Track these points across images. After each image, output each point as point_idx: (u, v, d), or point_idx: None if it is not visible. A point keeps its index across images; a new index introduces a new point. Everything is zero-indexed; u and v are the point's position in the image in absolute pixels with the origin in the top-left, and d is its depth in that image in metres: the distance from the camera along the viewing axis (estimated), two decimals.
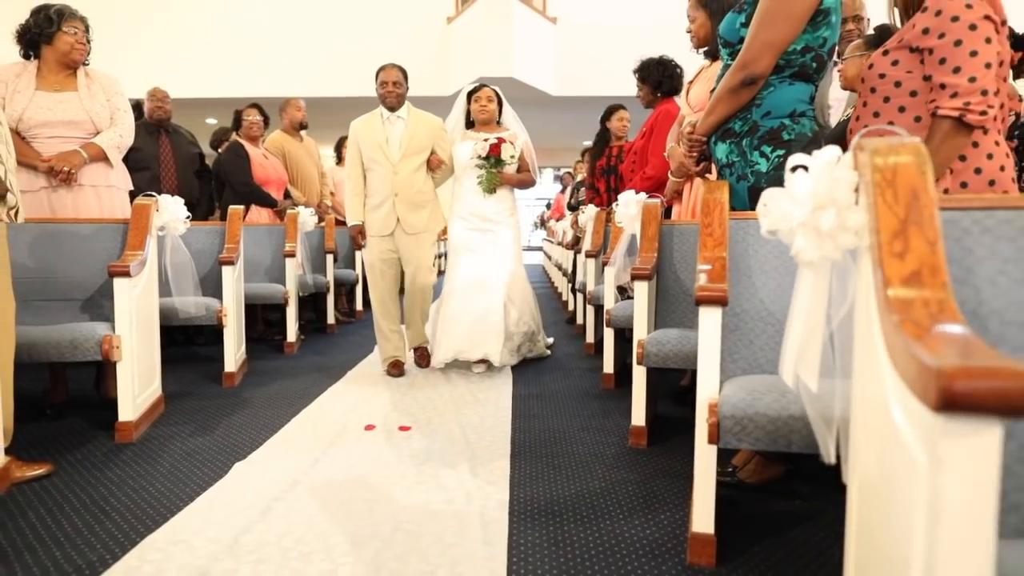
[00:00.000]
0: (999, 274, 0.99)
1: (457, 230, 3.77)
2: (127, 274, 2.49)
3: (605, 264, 3.38)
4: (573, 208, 6.67)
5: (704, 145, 2.13)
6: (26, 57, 2.93)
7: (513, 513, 1.87)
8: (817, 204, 1.00)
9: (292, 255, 4.33)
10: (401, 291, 3.80)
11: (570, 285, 5.89)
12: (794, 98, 1.99)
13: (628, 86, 8.21)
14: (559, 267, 7.74)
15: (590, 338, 4.25)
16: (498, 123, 3.83)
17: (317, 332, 5.06)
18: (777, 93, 1.99)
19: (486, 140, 3.65)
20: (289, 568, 1.54)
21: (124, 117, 3.00)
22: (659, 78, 3.63)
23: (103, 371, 2.99)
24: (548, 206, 17.43)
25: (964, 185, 1.72)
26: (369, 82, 10.43)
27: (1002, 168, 1.75)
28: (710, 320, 1.54)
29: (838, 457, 1.08)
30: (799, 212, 1.02)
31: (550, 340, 4.28)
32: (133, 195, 3.06)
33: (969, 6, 1.66)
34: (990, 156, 1.74)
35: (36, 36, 2.90)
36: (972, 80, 1.64)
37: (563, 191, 10.16)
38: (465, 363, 3.66)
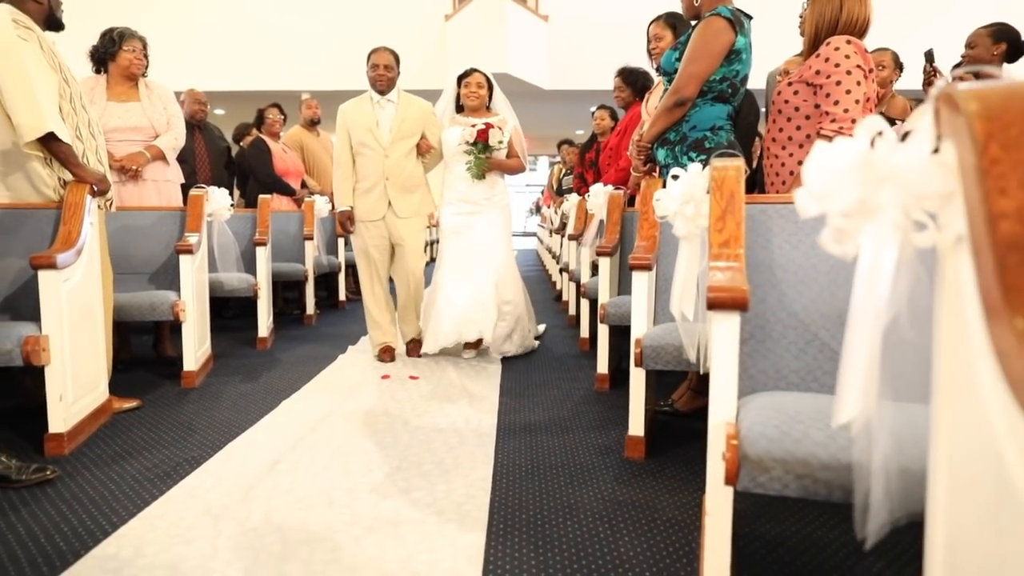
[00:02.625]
0: (784, 242, 1.58)
1: (448, 215, 3.73)
2: (190, 251, 3.10)
3: (574, 240, 3.99)
4: (560, 193, 7.27)
5: (649, 150, 2.73)
6: (97, 72, 3.50)
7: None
8: (684, 199, 1.61)
9: (311, 238, 4.92)
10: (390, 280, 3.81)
11: (559, 267, 6.49)
12: (714, 116, 2.58)
13: (611, 81, 8.88)
14: (549, 251, 8.33)
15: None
16: (488, 108, 3.79)
17: (329, 308, 5.66)
18: (701, 112, 2.57)
19: (474, 126, 3.59)
20: (335, 462, 2.15)
21: (177, 123, 3.57)
22: (642, 84, 4.18)
23: (160, 334, 3.60)
24: (542, 192, 18.02)
25: None
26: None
27: None
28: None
29: None
30: (674, 204, 1.62)
31: (541, 328, 4.31)
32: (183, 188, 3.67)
33: (848, 57, 2.25)
34: None
35: (103, 54, 3.47)
36: (846, 111, 2.23)
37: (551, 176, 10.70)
38: (455, 352, 3.69)
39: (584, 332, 3.92)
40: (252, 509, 1.81)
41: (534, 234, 15.90)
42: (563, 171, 7.61)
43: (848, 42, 2.26)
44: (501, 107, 3.82)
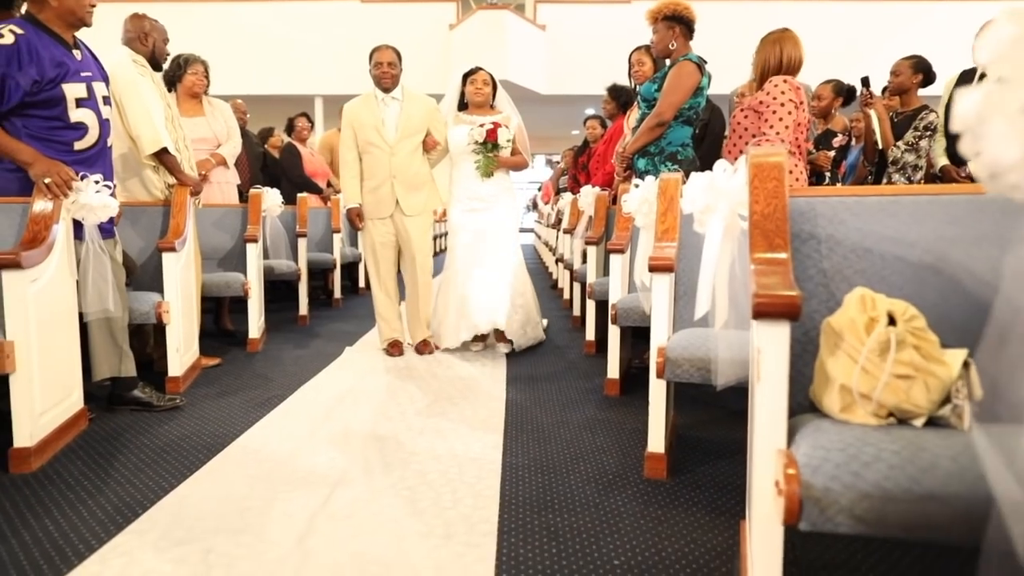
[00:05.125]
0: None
1: (456, 213, 3.80)
2: (255, 240, 3.81)
3: (568, 232, 4.67)
4: (557, 192, 7.99)
5: (630, 160, 3.43)
6: (168, 91, 4.18)
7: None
8: (642, 201, 2.32)
9: (338, 231, 5.62)
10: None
11: (555, 259, 7.21)
12: (684, 135, 3.29)
13: (604, 86, 9.63)
14: (547, 244, 9.05)
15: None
16: (492, 106, 3.86)
17: (352, 293, 6.36)
18: (674, 132, 3.28)
19: (482, 125, 3.64)
20: (368, 414, 2.86)
21: (235, 133, 4.26)
22: (626, 99, 4.89)
23: (221, 310, 4.30)
24: (539, 189, 18.74)
25: None
26: None
27: (797, 180, 3.06)
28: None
29: None
30: (635, 204, 2.33)
31: (544, 322, 4.35)
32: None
33: (783, 92, 2.95)
34: (789, 173, 3.05)
35: (172, 77, 4.16)
36: (777, 133, 2.94)
37: (551, 178, 11.40)
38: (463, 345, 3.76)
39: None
40: (334, 422, 2.53)
41: (531, 230, 16.55)
42: (563, 172, 8.33)
43: (784, 81, 2.97)
44: (504, 104, 3.90)
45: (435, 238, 11.10)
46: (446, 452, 2.26)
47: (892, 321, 1.09)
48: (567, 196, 5.98)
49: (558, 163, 9.89)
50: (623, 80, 4.88)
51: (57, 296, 2.29)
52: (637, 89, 4.12)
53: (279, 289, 5.55)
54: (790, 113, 2.92)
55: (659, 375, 1.87)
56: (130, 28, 3.30)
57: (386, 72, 3.56)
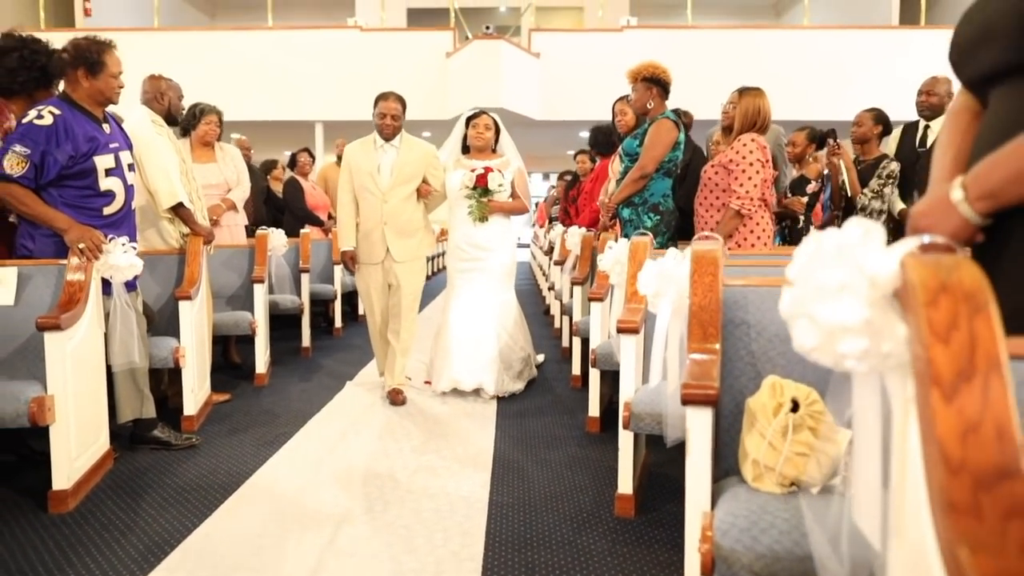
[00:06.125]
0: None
1: (453, 260, 3.90)
2: (261, 280, 4.06)
3: (559, 265, 4.91)
4: (550, 220, 8.28)
5: (615, 210, 3.69)
6: (183, 136, 4.45)
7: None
8: (615, 262, 2.58)
9: (338, 263, 5.87)
10: None
11: (548, 286, 7.48)
12: (665, 187, 3.56)
13: (598, 111, 9.94)
14: (541, 268, 9.32)
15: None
16: (494, 151, 3.90)
17: (352, 321, 6.61)
18: (656, 184, 3.54)
19: (473, 170, 3.72)
20: (368, 451, 3.11)
21: (245, 179, 4.53)
22: (611, 141, 5.15)
23: (228, 345, 4.55)
24: (536, 205, 19.09)
25: (739, 244, 3.28)
26: None
27: (764, 231, 3.32)
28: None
29: None
30: (609, 264, 2.59)
31: (540, 358, 4.50)
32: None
33: (752, 152, 3.21)
34: (757, 225, 3.31)
35: (187, 125, 4.42)
36: (747, 192, 3.21)
37: (545, 200, 11.67)
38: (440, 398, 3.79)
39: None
40: (337, 459, 2.77)
41: (528, 245, 16.77)
42: (556, 200, 8.61)
43: (753, 140, 3.24)
44: (507, 149, 3.94)
45: (435, 257, 11.40)
46: (439, 490, 2.51)
47: (796, 406, 1.35)
48: (558, 228, 6.25)
49: (552, 188, 10.15)
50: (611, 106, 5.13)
51: (89, 350, 2.55)
52: (621, 136, 4.39)
53: (282, 317, 5.79)
54: (758, 172, 3.19)
55: (625, 427, 2.13)
56: (148, 89, 3.58)
57: (388, 124, 3.63)
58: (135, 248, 2.72)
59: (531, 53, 10.63)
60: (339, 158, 6.84)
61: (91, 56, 2.59)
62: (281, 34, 10.82)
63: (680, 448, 2.93)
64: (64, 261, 2.54)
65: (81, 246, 2.51)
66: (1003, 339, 0.69)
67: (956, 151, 1.03)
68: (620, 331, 2.20)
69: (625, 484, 2.29)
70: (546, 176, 20.33)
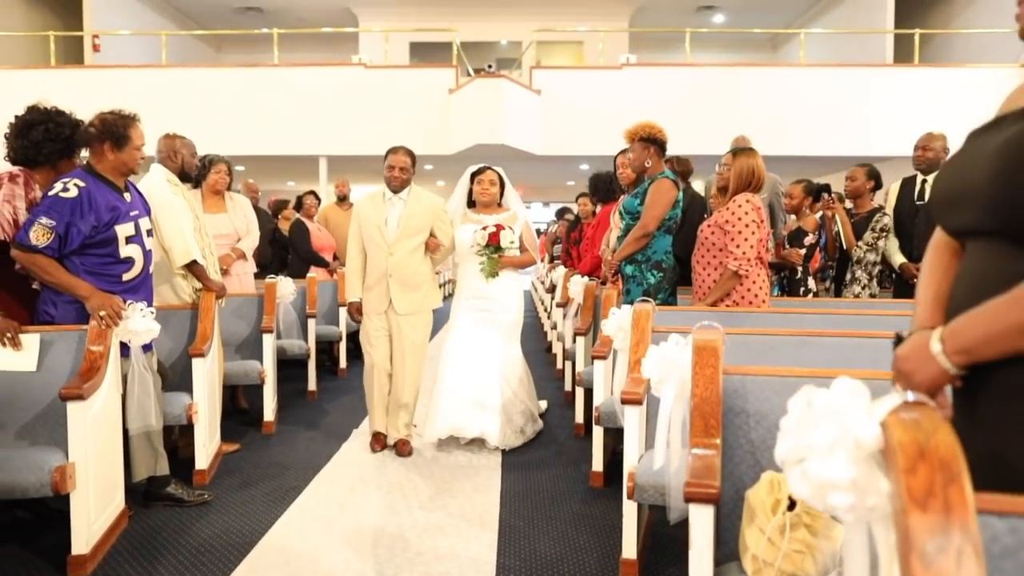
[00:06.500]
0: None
1: (460, 310, 3.92)
2: (271, 331, 4.15)
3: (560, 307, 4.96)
4: (551, 260, 8.40)
5: (617, 267, 3.78)
6: (194, 187, 4.55)
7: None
8: (618, 328, 2.66)
9: (344, 304, 5.96)
10: None
11: (551, 324, 7.57)
12: (666, 244, 3.66)
13: (598, 146, 10.12)
14: (542, 303, 9.42)
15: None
16: (499, 204, 3.96)
17: (356, 359, 6.68)
18: (659, 241, 3.65)
19: (484, 229, 3.78)
20: (377, 507, 3.18)
21: (254, 228, 4.63)
22: (606, 189, 5.29)
23: (236, 390, 4.61)
24: (538, 232, 19.29)
25: (736, 303, 3.36)
26: (383, 142, 12.10)
27: (760, 288, 3.40)
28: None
29: None
30: (613, 329, 2.68)
31: (543, 405, 4.50)
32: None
33: (747, 213, 3.31)
34: (754, 283, 3.40)
35: (198, 176, 4.53)
36: (744, 252, 3.30)
37: (544, 234, 11.78)
38: (447, 449, 3.78)
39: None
40: (347, 517, 2.84)
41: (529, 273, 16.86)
42: (556, 238, 8.74)
43: (748, 201, 3.34)
44: (512, 202, 4.00)
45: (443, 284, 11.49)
46: (447, 552, 2.57)
47: (792, 504, 1.43)
48: (560, 269, 6.36)
49: (554, 224, 10.25)
50: (613, 142, 5.15)
51: (108, 414, 2.63)
52: (623, 187, 4.50)
53: (289, 360, 5.87)
54: (753, 233, 3.29)
55: (629, 497, 2.20)
56: (162, 148, 3.68)
57: (397, 176, 3.68)
58: (153, 312, 2.80)
59: (532, 90, 10.81)
60: (340, 199, 7.02)
61: (117, 130, 2.70)
62: (286, 71, 11.01)
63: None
64: (85, 327, 2.63)
65: (102, 314, 2.60)
66: (973, 506, 0.77)
67: (936, 290, 1.12)
68: (624, 402, 2.28)
69: (629, 549, 2.38)
70: (546, 204, 20.57)
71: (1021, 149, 0.93)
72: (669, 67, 11.32)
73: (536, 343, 7.89)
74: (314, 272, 6.19)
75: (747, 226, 3.28)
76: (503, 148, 10.22)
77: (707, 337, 1.74)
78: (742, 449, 1.68)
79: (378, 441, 3.77)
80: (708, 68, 11.11)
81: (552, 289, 7.25)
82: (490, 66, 10.48)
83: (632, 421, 2.29)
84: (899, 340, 1.12)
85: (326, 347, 6.41)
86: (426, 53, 14.32)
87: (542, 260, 11.09)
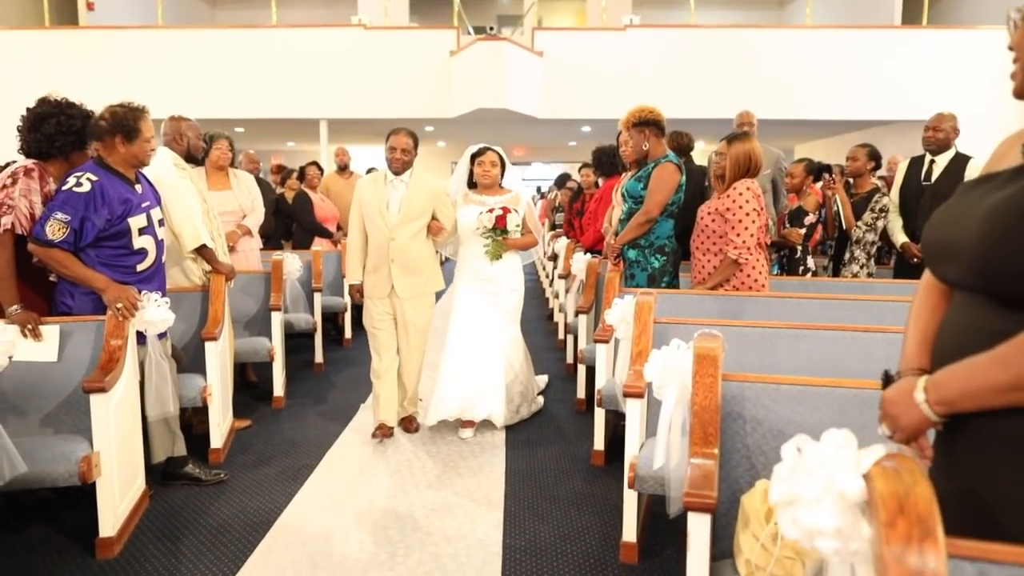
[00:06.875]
0: None
1: (462, 291, 3.89)
2: (279, 308, 4.23)
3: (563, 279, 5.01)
4: (552, 228, 8.45)
5: (620, 251, 3.82)
6: (200, 164, 4.57)
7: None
8: (621, 318, 2.74)
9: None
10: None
11: (552, 292, 7.65)
12: (669, 228, 3.70)
13: (601, 109, 10.07)
14: (543, 268, 9.49)
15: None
16: (500, 186, 3.93)
17: (360, 329, 6.78)
18: (661, 226, 3.68)
19: (491, 211, 3.73)
20: (386, 487, 3.30)
21: (259, 204, 4.67)
22: (609, 163, 5.30)
23: (245, 366, 4.71)
24: (538, 189, 19.19)
25: (736, 288, 3.43)
26: (384, 105, 11.96)
27: (760, 273, 3.46)
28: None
29: None
30: (616, 319, 2.75)
31: (543, 382, 4.60)
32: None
33: (748, 201, 3.35)
34: (753, 268, 3.46)
35: (201, 153, 4.55)
36: (744, 241, 3.35)
37: (544, 196, 11.77)
38: (453, 427, 3.83)
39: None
40: (359, 497, 2.96)
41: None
42: (557, 205, 8.76)
43: (748, 188, 3.37)
44: (513, 183, 3.98)
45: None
46: (455, 532, 2.70)
47: None
48: (563, 240, 6.41)
49: (555, 193, 10.21)
50: (616, 105, 5.12)
51: (127, 401, 2.72)
52: (626, 164, 4.52)
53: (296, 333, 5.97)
54: (753, 221, 3.33)
55: (631, 486, 2.31)
56: (168, 130, 3.71)
57: (398, 158, 3.62)
58: (167, 302, 2.88)
59: (534, 52, 10.67)
60: (340, 168, 7.02)
61: (128, 123, 2.73)
62: (285, 32, 10.85)
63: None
64: (103, 317, 2.71)
65: (119, 306, 2.67)
66: (946, 556, 0.86)
67: (924, 330, 1.19)
68: (626, 395, 2.37)
69: (629, 533, 2.52)
70: (547, 163, 20.45)
71: (1009, 215, 0.98)
72: (673, 28, 11.15)
73: (538, 310, 7.99)
74: (318, 244, 6.25)
75: (747, 215, 3.33)
76: (505, 112, 10.15)
77: (707, 346, 1.82)
78: (739, 454, 1.77)
79: (382, 429, 3.70)
80: (712, 30, 10.94)
81: (554, 258, 7.31)
82: (491, 28, 10.33)
83: (634, 412, 2.39)
84: (887, 379, 1.19)
85: (331, 317, 6.52)
86: (426, 9, 14.06)
87: (543, 225, 11.12)
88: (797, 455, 0.99)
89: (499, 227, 3.73)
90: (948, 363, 1.06)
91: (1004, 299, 1.00)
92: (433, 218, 3.74)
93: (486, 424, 3.87)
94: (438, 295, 3.86)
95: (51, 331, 2.67)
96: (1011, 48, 1.13)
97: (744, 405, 1.80)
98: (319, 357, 5.20)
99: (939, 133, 4.16)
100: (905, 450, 1.03)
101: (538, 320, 7.32)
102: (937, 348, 1.14)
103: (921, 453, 1.09)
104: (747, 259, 3.33)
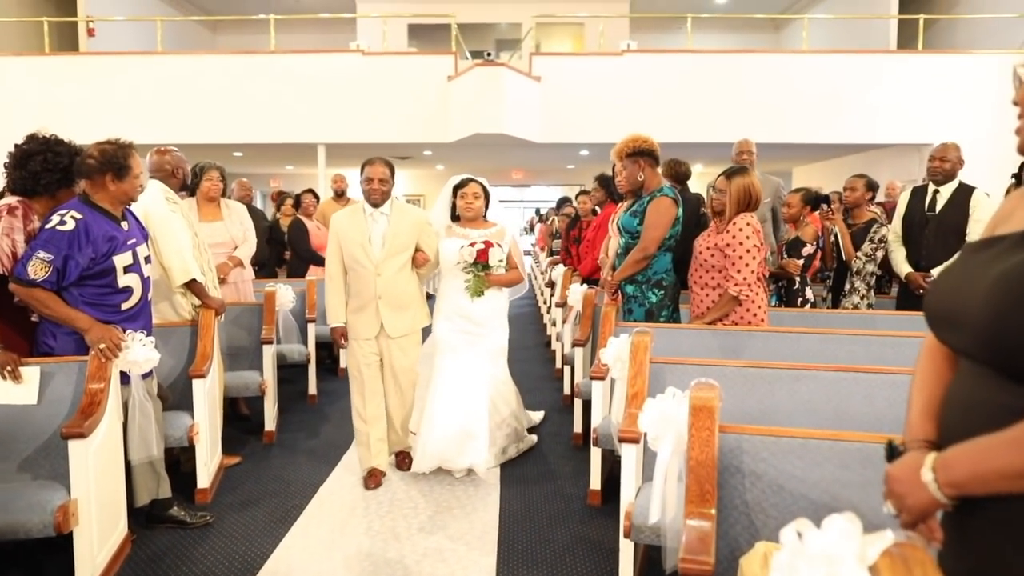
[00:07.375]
0: None
1: (442, 330, 3.68)
2: (271, 342, 4.16)
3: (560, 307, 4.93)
4: (551, 253, 8.40)
5: (617, 287, 3.75)
6: (190, 195, 4.52)
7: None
8: (616, 358, 2.68)
9: None
10: None
11: (550, 320, 7.59)
12: (666, 263, 3.63)
13: (599, 133, 10.05)
14: (541, 293, 9.43)
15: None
16: (484, 218, 3.77)
17: None
18: (659, 260, 3.61)
19: (472, 244, 3.55)
20: (377, 530, 3.21)
21: (251, 234, 4.62)
22: (612, 189, 5.24)
23: (236, 398, 4.64)
24: (537, 211, 19.19)
25: (735, 323, 3.36)
26: (382, 130, 12.03)
27: (759, 307, 3.40)
28: None
29: None
30: (611, 359, 2.69)
31: (537, 418, 4.52)
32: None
33: (748, 237, 3.30)
34: (752, 302, 3.39)
35: (192, 185, 4.51)
36: (744, 278, 3.29)
37: (543, 221, 11.76)
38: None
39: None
40: (348, 540, 2.87)
41: (528, 253, 16.69)
42: (555, 231, 8.73)
43: (748, 224, 3.32)
44: (497, 215, 3.82)
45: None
46: None
47: None
48: (559, 268, 6.36)
49: (553, 217, 10.20)
50: (614, 129, 5.10)
51: (108, 445, 2.64)
52: (621, 195, 4.48)
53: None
54: (754, 258, 3.28)
55: (626, 536, 2.23)
56: (158, 165, 3.66)
57: (376, 188, 3.43)
58: (152, 340, 2.81)
59: (532, 77, 10.70)
60: (337, 195, 6.99)
61: (118, 161, 2.68)
62: (284, 58, 10.89)
63: None
64: (85, 358, 2.64)
65: (102, 346, 2.61)
66: None
67: (929, 396, 1.13)
68: (622, 440, 2.30)
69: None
70: (548, 185, 20.49)
71: (1018, 286, 0.92)
72: (670, 53, 11.19)
73: (536, 337, 7.92)
74: (313, 273, 6.20)
75: (748, 251, 3.27)
76: (503, 136, 10.16)
77: (704, 396, 1.75)
78: (737, 510, 1.70)
79: (372, 477, 3.51)
80: (709, 55, 10.99)
81: (552, 284, 7.25)
82: (489, 54, 10.36)
83: (629, 458, 2.31)
84: (891, 450, 1.13)
85: (326, 345, 6.44)
86: (424, 35, 14.16)
87: (542, 251, 11.08)
88: (798, 542, 0.93)
89: (480, 262, 3.54)
90: (956, 437, 0.99)
91: (1012, 373, 0.94)
92: (417, 249, 3.57)
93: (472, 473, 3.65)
94: (425, 332, 3.71)
95: (31, 372, 2.60)
96: (1016, 103, 1.08)
97: (742, 458, 1.73)
98: (312, 389, 5.13)
99: (945, 163, 4.09)
100: (914, 537, 0.97)
101: (535, 347, 7.26)
102: (944, 420, 1.08)
103: (930, 535, 1.02)
104: (747, 296, 3.27)
